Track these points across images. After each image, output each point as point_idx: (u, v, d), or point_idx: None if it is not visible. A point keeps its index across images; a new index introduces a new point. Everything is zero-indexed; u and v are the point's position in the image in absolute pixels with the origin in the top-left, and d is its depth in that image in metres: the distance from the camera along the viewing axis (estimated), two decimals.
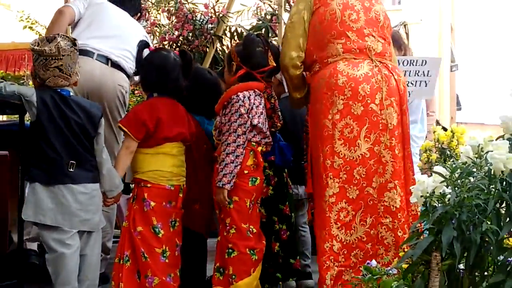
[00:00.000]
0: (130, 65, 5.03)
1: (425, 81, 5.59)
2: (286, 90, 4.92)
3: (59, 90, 4.00)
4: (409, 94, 5.14)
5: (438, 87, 21.71)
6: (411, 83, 5.55)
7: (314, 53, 4.21)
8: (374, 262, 2.30)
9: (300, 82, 4.35)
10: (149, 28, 8.43)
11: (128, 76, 5.06)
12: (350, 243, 3.93)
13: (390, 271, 2.45)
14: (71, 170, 3.92)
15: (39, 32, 9.22)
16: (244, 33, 7.78)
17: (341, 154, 3.96)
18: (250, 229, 4.18)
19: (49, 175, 3.90)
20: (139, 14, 5.85)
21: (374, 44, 4.13)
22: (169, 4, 8.59)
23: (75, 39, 4.20)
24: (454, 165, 2.07)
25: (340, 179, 3.94)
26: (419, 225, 2.15)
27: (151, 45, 5.33)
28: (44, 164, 3.92)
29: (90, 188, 4.01)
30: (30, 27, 9.25)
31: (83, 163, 4.01)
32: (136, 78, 5.16)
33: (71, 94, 4.09)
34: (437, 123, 11.02)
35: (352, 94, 3.96)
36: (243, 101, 4.17)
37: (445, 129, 5.47)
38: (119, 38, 5.01)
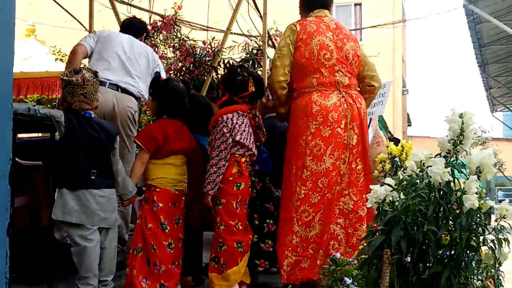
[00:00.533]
0: (136, 88, 5.10)
1: (382, 101, 6.08)
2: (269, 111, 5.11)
3: (83, 113, 4.08)
4: (373, 113, 5.39)
5: (392, 107, 22.05)
6: (375, 103, 5.93)
7: (294, 82, 4.38)
8: (338, 255, 2.36)
9: (285, 100, 4.48)
10: None
11: (136, 97, 5.10)
12: (309, 238, 4.14)
13: (352, 262, 2.49)
14: (93, 177, 4.01)
15: (63, 59, 9.29)
16: (236, 64, 7.87)
17: (309, 167, 4.18)
18: (237, 226, 4.29)
19: (74, 182, 3.98)
20: (145, 34, 5.83)
21: (342, 78, 4.32)
22: (174, 41, 8.73)
23: (96, 71, 4.30)
24: (401, 178, 2.13)
25: (306, 187, 4.17)
26: (375, 225, 2.21)
27: (160, 68, 5.56)
28: (70, 173, 4.00)
29: (107, 192, 4.09)
30: (61, 59, 9.30)
31: (102, 171, 4.10)
32: (145, 97, 5.25)
33: (93, 116, 4.17)
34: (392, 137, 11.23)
35: (323, 120, 4.17)
36: (226, 122, 4.31)
37: (398, 141, 5.62)
38: (124, 68, 5.04)
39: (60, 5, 9.23)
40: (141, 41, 5.60)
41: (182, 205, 4.47)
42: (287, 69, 4.33)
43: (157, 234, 4.31)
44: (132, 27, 5.61)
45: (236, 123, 4.34)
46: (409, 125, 19.58)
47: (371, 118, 5.92)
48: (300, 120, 4.26)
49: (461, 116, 2.18)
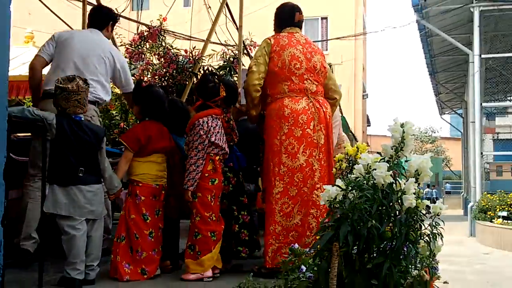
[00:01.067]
0: (94, 92, 4.70)
1: None
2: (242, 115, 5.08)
3: (74, 116, 4.05)
4: None
5: (353, 110, 22.28)
6: None
7: (268, 89, 4.40)
8: (296, 245, 2.37)
9: (257, 103, 4.49)
10: (144, 66, 8.49)
11: (95, 102, 4.75)
12: (289, 227, 4.18)
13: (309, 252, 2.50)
14: (81, 174, 3.98)
15: None
16: (214, 71, 7.86)
17: (285, 164, 4.21)
18: (211, 217, 4.31)
19: (64, 179, 3.95)
20: (111, 22, 5.16)
21: (310, 86, 4.36)
22: (159, 49, 8.69)
23: (86, 79, 4.26)
24: (349, 180, 2.15)
25: (284, 181, 4.19)
26: (326, 220, 2.22)
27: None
28: (60, 171, 3.96)
29: (95, 187, 4.07)
30: None
31: (90, 169, 4.07)
32: (105, 100, 4.97)
33: (83, 119, 4.14)
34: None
35: (294, 122, 4.22)
36: (202, 125, 4.31)
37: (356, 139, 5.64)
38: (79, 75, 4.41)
39: (56, 15, 9.15)
40: (108, 30, 5.15)
41: (161, 198, 4.49)
42: (262, 75, 4.35)
43: (139, 224, 4.32)
44: (97, 19, 5.09)
45: (211, 126, 4.35)
46: (369, 125, 19.80)
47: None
48: (273, 122, 4.29)
49: (402, 125, 2.20)
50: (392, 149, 2.20)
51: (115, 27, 5.63)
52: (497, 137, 39.13)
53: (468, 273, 10.77)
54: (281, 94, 4.33)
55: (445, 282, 2.31)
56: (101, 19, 5.06)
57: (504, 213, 15.15)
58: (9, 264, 4.06)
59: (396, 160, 2.17)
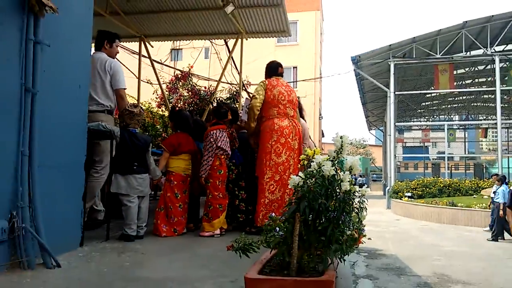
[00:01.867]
0: (101, 105, 4.15)
1: (246, 110, 5.17)
2: (242, 129, 5.03)
3: (131, 129, 4.03)
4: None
5: (313, 127, 22.28)
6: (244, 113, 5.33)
7: (263, 112, 4.40)
8: (273, 214, 2.33)
9: (256, 118, 4.43)
10: (178, 97, 8.52)
11: (103, 110, 4.19)
12: (273, 200, 4.19)
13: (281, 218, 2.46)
14: (135, 167, 3.95)
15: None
16: (223, 101, 7.88)
17: (273, 160, 4.23)
18: (219, 195, 4.28)
19: (123, 170, 3.92)
20: (105, 40, 4.38)
21: (290, 111, 4.42)
22: (188, 86, 8.70)
23: (141, 107, 4.31)
24: (306, 172, 2.12)
25: (271, 171, 4.20)
26: (292, 198, 2.19)
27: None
28: (121, 164, 3.94)
29: (143, 176, 4.06)
30: None
31: (141, 164, 4.05)
32: (110, 105, 4.28)
33: (137, 131, 4.13)
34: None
35: (280, 133, 4.25)
36: (212, 135, 4.33)
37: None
38: (91, 91, 3.96)
39: (122, 63, 9.09)
40: (107, 47, 4.37)
41: (187, 182, 4.45)
42: (261, 101, 4.36)
43: (172, 199, 4.29)
44: (96, 43, 4.42)
45: (218, 135, 4.34)
46: (323, 137, 19.86)
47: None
48: (267, 133, 4.29)
49: (341, 137, 2.18)
50: (334, 152, 2.18)
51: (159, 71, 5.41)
52: (405, 145, 39.41)
53: (386, 232, 10.77)
54: (272, 115, 4.35)
55: (369, 238, 2.30)
56: (98, 41, 4.40)
57: (409, 194, 15.21)
58: (88, 224, 4.04)
59: (337, 160, 2.15)
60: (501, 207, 9.42)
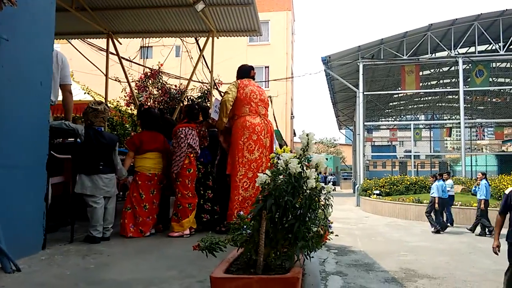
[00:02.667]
0: (50, 100, 3.62)
1: (217, 110, 5.34)
2: (212, 127, 4.98)
3: (97, 127, 3.92)
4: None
5: (285, 126, 22.39)
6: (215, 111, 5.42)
7: (235, 110, 4.39)
8: (242, 212, 2.32)
9: (227, 114, 4.40)
10: (147, 95, 8.37)
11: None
12: (246, 197, 4.15)
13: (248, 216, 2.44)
14: (101, 167, 3.85)
15: (92, 95, 8.80)
16: (194, 100, 7.81)
17: (246, 157, 4.21)
18: (188, 194, 4.25)
19: (89, 169, 3.81)
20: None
21: (261, 109, 4.43)
22: (158, 84, 8.57)
23: (107, 105, 4.19)
24: (273, 170, 2.12)
25: (244, 168, 4.18)
26: (259, 196, 2.17)
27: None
28: (86, 164, 3.82)
29: (110, 176, 3.96)
30: (88, 93, 8.87)
31: (107, 163, 3.95)
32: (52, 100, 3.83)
33: (103, 129, 4.02)
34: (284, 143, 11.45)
35: (252, 130, 4.25)
36: (181, 131, 4.30)
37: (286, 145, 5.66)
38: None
39: (87, 59, 8.86)
40: None
41: (155, 182, 4.36)
42: (233, 97, 4.34)
43: (137, 199, 4.20)
44: None
45: (188, 132, 4.30)
46: (295, 136, 20.05)
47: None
48: (239, 130, 4.27)
49: (307, 135, 2.19)
50: (301, 149, 2.18)
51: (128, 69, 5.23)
52: (374, 144, 40.30)
53: (355, 229, 10.97)
54: (244, 113, 4.33)
55: (336, 235, 2.31)
56: None
57: (377, 191, 15.55)
58: (51, 226, 3.90)
59: (304, 157, 2.15)
60: (436, 201, 10.61)
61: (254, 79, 4.65)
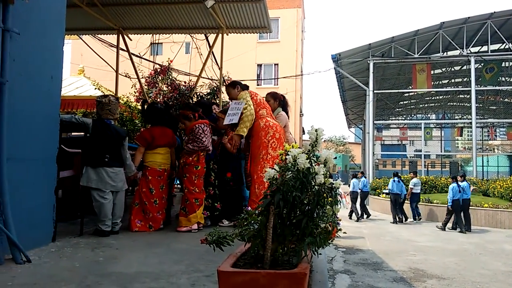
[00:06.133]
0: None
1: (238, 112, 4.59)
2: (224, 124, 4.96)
3: (106, 120, 3.94)
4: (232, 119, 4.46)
5: (294, 124, 22.14)
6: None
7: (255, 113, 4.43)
8: (249, 208, 2.31)
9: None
10: (157, 91, 8.39)
11: None
12: None
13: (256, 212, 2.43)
14: (107, 160, 3.86)
15: (102, 91, 8.86)
16: (203, 97, 7.82)
17: (270, 153, 4.26)
18: (195, 190, 4.24)
19: (94, 162, 3.83)
20: None
21: (271, 112, 4.58)
22: (167, 80, 8.57)
23: (117, 96, 4.19)
24: (281, 165, 2.10)
25: (268, 163, 4.18)
26: (267, 191, 2.16)
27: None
28: (92, 156, 3.84)
29: (117, 169, 3.97)
30: (98, 88, 8.92)
31: (114, 157, 3.96)
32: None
33: (112, 123, 4.04)
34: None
35: (275, 129, 4.34)
36: (199, 128, 4.31)
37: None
38: None
39: (100, 56, 8.91)
40: None
41: (165, 177, 4.37)
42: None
43: (147, 194, 4.22)
44: None
45: (204, 129, 4.35)
46: (304, 134, 19.94)
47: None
48: (263, 130, 4.32)
49: (316, 130, 2.18)
50: (309, 145, 2.17)
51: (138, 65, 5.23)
52: (383, 143, 40.01)
53: (363, 228, 10.92)
54: (263, 115, 4.41)
55: (344, 233, 2.30)
56: None
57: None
58: (61, 219, 3.95)
59: (312, 153, 2.13)
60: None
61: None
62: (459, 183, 11.03)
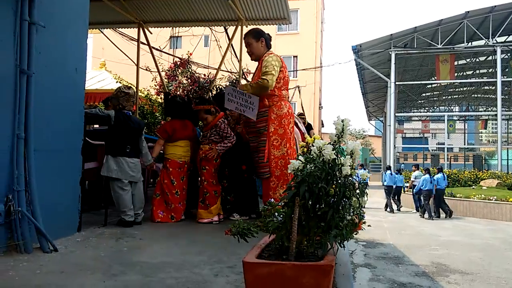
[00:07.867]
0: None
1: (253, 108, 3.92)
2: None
3: (126, 112, 3.98)
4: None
5: (313, 117, 21.97)
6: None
7: (276, 90, 3.86)
8: (272, 200, 2.30)
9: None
10: (177, 84, 8.43)
11: None
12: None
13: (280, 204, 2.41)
14: (128, 150, 3.91)
15: (122, 82, 8.97)
16: (223, 89, 7.80)
17: (292, 148, 3.92)
18: (213, 182, 4.24)
19: (115, 152, 3.88)
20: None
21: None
22: (187, 73, 8.60)
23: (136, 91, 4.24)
24: (306, 157, 2.08)
25: (296, 153, 3.81)
26: (292, 183, 2.14)
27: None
28: (114, 146, 3.89)
29: (135, 160, 4.02)
30: (120, 82, 9.02)
31: (134, 147, 4.01)
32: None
33: (131, 114, 4.07)
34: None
35: (292, 118, 4.02)
36: (223, 123, 4.32)
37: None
38: None
39: (121, 50, 8.99)
40: None
41: (185, 169, 4.39)
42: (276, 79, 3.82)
43: (169, 186, 4.25)
44: None
45: (225, 123, 4.37)
46: (323, 127, 19.72)
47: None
48: (285, 117, 3.85)
49: (342, 121, 2.14)
50: (335, 136, 2.13)
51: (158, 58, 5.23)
52: (405, 135, 39.31)
53: (384, 222, 10.79)
54: (285, 97, 3.93)
55: (368, 225, 2.26)
56: None
57: (407, 184, 15.19)
58: (85, 209, 4.02)
59: (338, 144, 2.10)
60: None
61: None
62: (435, 176, 12.30)
